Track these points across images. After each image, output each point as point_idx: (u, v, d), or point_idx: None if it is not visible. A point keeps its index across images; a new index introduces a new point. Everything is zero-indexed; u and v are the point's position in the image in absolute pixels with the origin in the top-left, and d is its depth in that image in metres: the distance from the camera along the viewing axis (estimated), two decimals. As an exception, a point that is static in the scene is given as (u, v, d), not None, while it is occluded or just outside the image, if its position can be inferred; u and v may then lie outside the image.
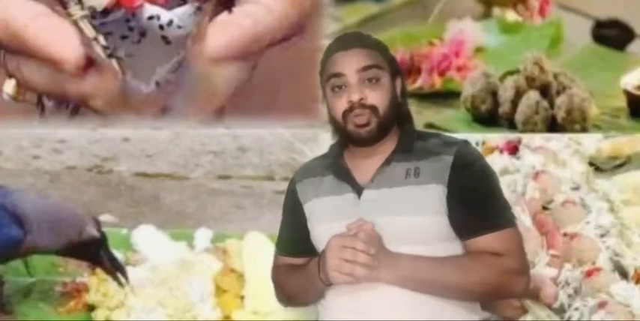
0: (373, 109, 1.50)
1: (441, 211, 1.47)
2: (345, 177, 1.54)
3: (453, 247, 1.49)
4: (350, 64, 1.51)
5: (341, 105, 1.51)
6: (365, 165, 1.54)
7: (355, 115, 1.50)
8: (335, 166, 1.57)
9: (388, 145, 1.54)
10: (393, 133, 1.55)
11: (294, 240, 1.61)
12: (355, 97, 1.49)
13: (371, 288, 1.45)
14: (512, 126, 2.35)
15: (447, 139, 1.57)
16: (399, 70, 1.58)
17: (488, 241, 1.47)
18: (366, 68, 1.51)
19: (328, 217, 1.53)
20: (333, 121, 1.55)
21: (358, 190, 1.52)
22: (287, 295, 1.62)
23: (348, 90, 1.50)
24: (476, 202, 1.48)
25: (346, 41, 1.55)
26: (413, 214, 1.47)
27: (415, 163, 1.51)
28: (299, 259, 1.60)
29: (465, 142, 1.56)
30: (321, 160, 1.63)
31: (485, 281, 1.45)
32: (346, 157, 1.58)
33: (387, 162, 1.52)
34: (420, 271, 1.44)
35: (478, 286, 1.45)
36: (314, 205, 1.57)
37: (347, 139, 1.55)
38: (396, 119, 1.55)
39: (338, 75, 1.51)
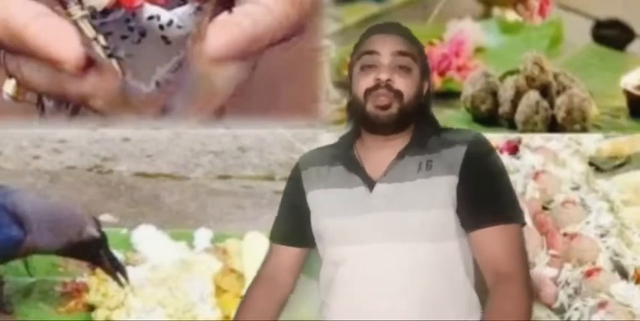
0: (398, 94, 1.48)
1: (450, 205, 1.47)
2: (356, 169, 1.52)
3: (460, 245, 1.48)
4: (387, 45, 1.50)
5: (366, 82, 1.49)
6: (376, 157, 1.52)
7: (378, 95, 1.48)
8: (346, 157, 1.54)
9: (402, 141, 1.52)
10: (408, 130, 1.53)
11: (292, 229, 1.59)
12: (384, 76, 1.48)
13: (371, 287, 1.45)
14: (512, 126, 2.36)
15: (461, 131, 1.56)
16: (429, 74, 1.57)
17: (499, 232, 1.46)
18: (401, 53, 1.50)
19: (338, 210, 1.51)
20: (353, 101, 1.53)
21: (370, 183, 1.50)
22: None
23: (378, 69, 1.49)
24: (487, 193, 1.47)
25: (388, 27, 1.55)
26: (423, 209, 1.46)
27: (428, 157, 1.49)
28: (293, 249, 1.59)
29: (478, 134, 1.55)
30: (329, 149, 1.60)
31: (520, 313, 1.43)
32: (357, 148, 1.55)
33: (401, 156, 1.50)
34: None
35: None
36: (320, 196, 1.55)
37: (364, 122, 1.52)
38: (416, 115, 1.52)
39: (372, 52, 1.50)
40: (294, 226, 1.59)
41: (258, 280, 1.61)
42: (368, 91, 1.49)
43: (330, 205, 1.53)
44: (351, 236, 1.48)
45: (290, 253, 1.60)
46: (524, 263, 1.47)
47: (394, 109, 1.48)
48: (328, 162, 1.56)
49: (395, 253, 1.46)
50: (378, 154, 1.52)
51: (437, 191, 1.47)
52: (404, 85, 1.49)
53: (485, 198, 1.47)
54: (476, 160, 1.48)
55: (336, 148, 1.59)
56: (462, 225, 1.47)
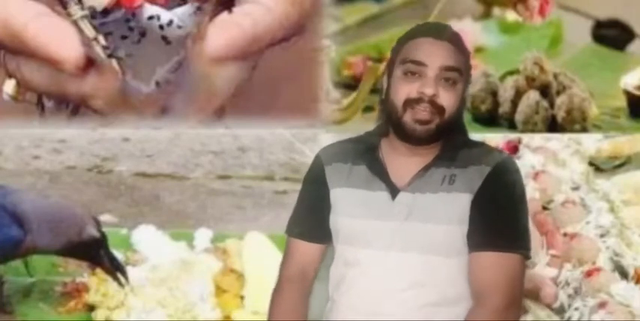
0: (440, 110, 1.43)
1: (467, 222, 1.44)
2: (380, 174, 1.48)
3: None
4: (437, 57, 1.44)
5: (408, 91, 1.43)
6: (402, 164, 1.48)
7: (420, 109, 1.42)
8: (371, 159, 1.50)
9: (431, 150, 1.48)
10: (440, 140, 1.49)
11: (317, 224, 1.54)
12: (429, 91, 1.42)
13: (380, 292, 1.45)
14: (512, 126, 2.35)
15: (492, 150, 1.52)
16: (469, 80, 1.50)
17: (493, 259, 1.42)
18: (449, 68, 1.44)
19: (357, 212, 1.47)
20: (388, 105, 1.47)
21: (393, 191, 1.46)
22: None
23: (424, 81, 1.43)
24: (495, 218, 1.44)
25: (440, 30, 1.48)
26: (441, 223, 1.43)
27: (453, 171, 1.45)
28: (318, 245, 1.55)
29: (509, 158, 1.51)
30: (353, 144, 1.55)
31: None
32: (382, 149, 1.51)
33: (427, 168, 1.46)
34: None
35: None
36: (341, 194, 1.50)
37: (396, 130, 1.48)
38: (452, 128, 1.47)
39: (418, 63, 1.44)
40: (318, 222, 1.54)
41: (288, 280, 1.55)
42: (408, 102, 1.43)
43: (349, 205, 1.49)
44: (368, 240, 1.46)
45: (315, 249, 1.55)
46: (510, 294, 1.42)
47: (433, 124, 1.44)
48: (351, 160, 1.52)
49: (409, 263, 1.44)
50: (405, 160, 1.48)
51: (456, 207, 1.44)
52: (447, 99, 1.43)
53: (491, 223, 1.43)
54: (494, 184, 1.45)
55: (359, 143, 1.54)
56: (467, 243, 1.44)
